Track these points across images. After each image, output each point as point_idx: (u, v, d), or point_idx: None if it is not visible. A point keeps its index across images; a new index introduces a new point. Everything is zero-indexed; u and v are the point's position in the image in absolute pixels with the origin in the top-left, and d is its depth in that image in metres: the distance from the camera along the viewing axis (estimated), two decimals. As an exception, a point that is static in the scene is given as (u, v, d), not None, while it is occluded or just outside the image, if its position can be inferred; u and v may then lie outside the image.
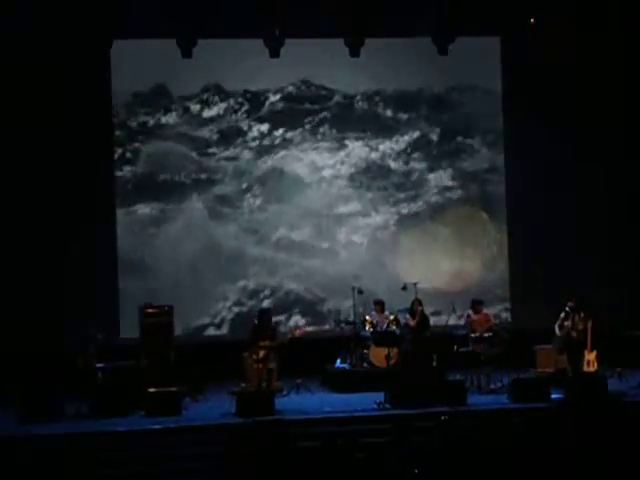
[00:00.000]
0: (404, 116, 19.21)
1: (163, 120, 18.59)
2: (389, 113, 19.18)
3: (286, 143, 18.88)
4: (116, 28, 17.56)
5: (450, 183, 19.34)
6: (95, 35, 17.56)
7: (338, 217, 19.00)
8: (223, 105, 18.78)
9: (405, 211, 19.21)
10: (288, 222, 18.87)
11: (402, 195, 19.20)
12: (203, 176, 18.69)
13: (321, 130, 19.02)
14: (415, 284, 16.69)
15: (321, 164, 19.00)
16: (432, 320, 17.06)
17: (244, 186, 18.78)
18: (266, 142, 18.86)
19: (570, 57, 18.47)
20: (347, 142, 19.05)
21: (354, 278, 18.05)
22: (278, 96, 18.86)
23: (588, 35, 18.44)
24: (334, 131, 19.01)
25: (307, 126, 18.95)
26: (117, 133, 18.49)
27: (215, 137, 18.73)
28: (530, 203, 18.94)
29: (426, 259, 18.86)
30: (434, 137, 19.29)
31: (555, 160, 18.78)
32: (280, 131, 18.87)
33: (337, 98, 19.02)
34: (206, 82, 18.65)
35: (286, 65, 18.29)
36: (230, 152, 18.78)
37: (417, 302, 16.55)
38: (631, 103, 18.95)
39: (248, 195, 18.82)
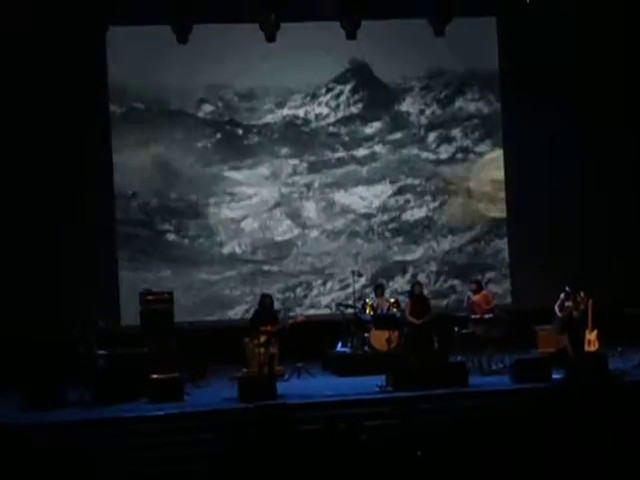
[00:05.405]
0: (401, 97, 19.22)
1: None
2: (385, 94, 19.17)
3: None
4: (112, 14, 17.54)
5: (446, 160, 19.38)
6: (91, 20, 17.53)
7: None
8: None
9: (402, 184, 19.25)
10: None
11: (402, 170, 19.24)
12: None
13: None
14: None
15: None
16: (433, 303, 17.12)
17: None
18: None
19: (569, 37, 18.45)
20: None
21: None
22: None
23: (587, 14, 18.40)
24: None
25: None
26: (114, 117, 18.41)
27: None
28: (530, 184, 18.89)
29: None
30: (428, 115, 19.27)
31: (554, 140, 18.74)
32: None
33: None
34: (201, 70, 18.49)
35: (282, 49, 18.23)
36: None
37: (418, 285, 16.53)
38: (631, 81, 18.90)
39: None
